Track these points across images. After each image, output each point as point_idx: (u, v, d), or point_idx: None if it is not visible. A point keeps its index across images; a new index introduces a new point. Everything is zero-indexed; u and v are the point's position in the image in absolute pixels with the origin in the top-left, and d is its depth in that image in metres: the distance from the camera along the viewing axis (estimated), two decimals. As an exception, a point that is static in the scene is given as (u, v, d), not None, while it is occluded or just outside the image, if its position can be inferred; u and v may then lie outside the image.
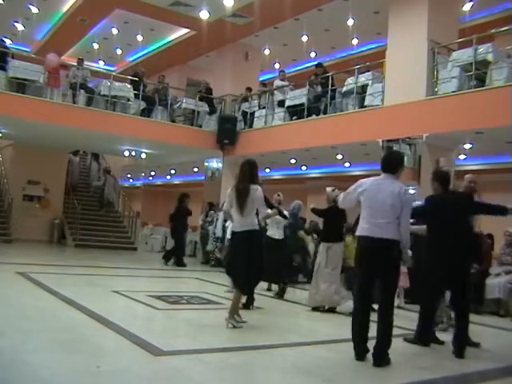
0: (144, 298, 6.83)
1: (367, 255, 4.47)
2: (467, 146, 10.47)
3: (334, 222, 6.99)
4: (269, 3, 12.14)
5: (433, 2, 9.87)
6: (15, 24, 15.34)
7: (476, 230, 6.10)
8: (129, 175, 22.43)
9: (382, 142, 10.17)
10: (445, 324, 5.86)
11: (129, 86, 13.51)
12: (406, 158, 9.84)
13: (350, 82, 11.42)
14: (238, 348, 4.64)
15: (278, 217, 9.10)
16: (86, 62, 13.82)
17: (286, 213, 8.30)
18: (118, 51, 17.27)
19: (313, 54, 15.57)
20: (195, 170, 18.11)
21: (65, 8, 14.24)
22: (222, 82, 15.43)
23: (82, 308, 5.70)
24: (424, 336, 5.14)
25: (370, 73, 11.02)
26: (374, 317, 4.53)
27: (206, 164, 15.56)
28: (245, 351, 4.59)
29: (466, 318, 4.97)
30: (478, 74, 8.98)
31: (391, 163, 4.66)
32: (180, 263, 12.13)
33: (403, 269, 6.25)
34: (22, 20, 15.14)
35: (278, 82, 13.68)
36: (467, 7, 11.07)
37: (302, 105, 12.31)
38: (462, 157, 11.47)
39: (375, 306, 4.51)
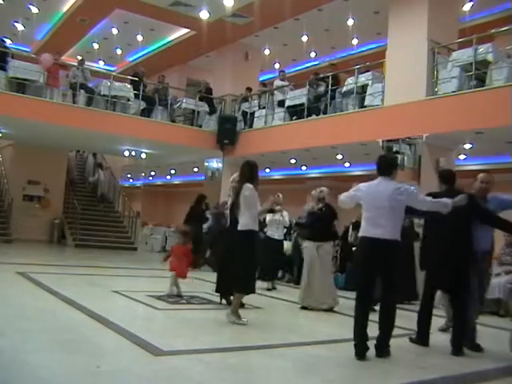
0: (144, 298, 6.84)
1: (367, 256, 4.54)
2: (467, 146, 10.46)
3: (324, 222, 7.06)
4: (269, 3, 12.13)
5: (433, 2, 9.86)
6: (15, 24, 15.32)
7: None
8: (129, 175, 22.41)
9: (382, 142, 10.16)
10: (445, 324, 5.85)
11: (129, 85, 13.49)
12: (405, 158, 9.88)
13: (350, 82, 11.41)
14: (237, 348, 4.65)
15: (278, 217, 9.14)
16: (86, 62, 13.80)
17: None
18: (118, 51, 17.24)
19: (313, 54, 15.55)
20: (195, 170, 18.09)
21: (65, 8, 14.23)
22: (221, 82, 15.42)
23: (82, 308, 5.71)
24: (422, 336, 5.11)
25: (369, 73, 11.01)
26: (373, 317, 4.53)
27: (206, 164, 15.54)
28: (245, 351, 4.59)
29: (461, 317, 4.94)
30: (478, 74, 8.96)
31: (384, 166, 4.74)
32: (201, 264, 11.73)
33: None
34: (22, 20, 15.11)
35: (277, 82, 13.67)
36: (467, 7, 11.05)
37: (302, 105, 12.30)
38: (462, 157, 11.46)
39: (375, 307, 4.51)
